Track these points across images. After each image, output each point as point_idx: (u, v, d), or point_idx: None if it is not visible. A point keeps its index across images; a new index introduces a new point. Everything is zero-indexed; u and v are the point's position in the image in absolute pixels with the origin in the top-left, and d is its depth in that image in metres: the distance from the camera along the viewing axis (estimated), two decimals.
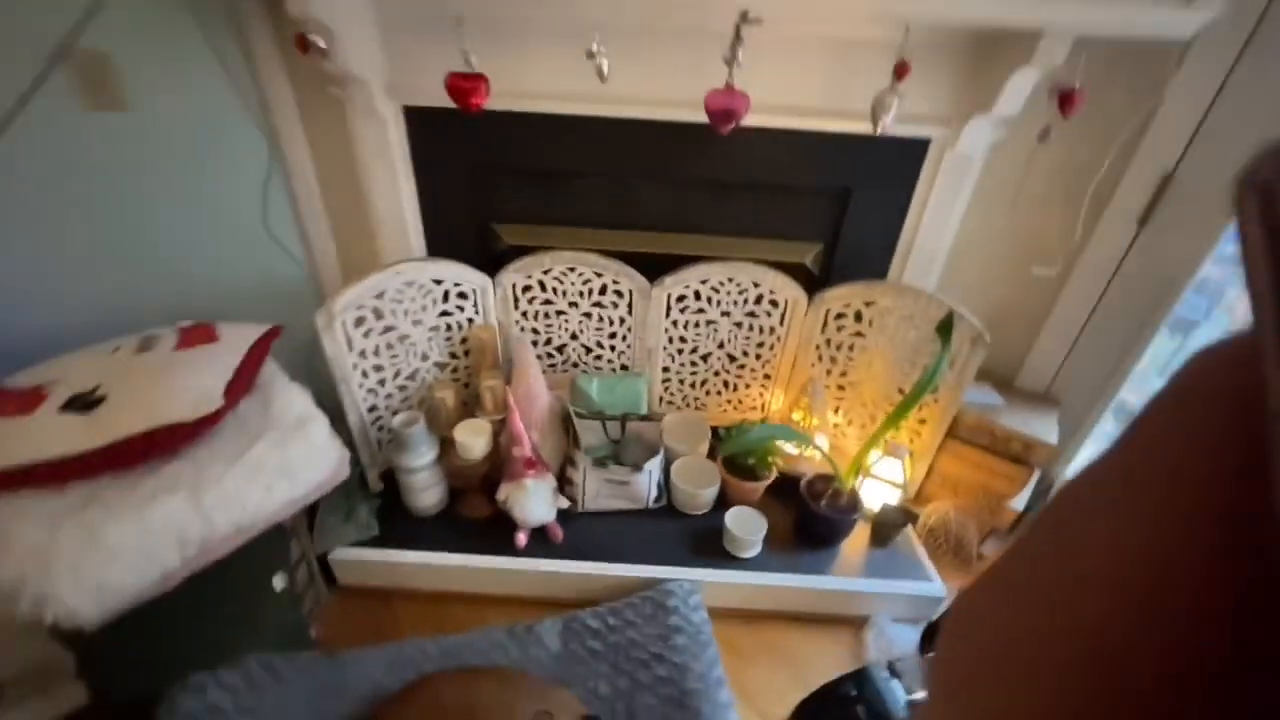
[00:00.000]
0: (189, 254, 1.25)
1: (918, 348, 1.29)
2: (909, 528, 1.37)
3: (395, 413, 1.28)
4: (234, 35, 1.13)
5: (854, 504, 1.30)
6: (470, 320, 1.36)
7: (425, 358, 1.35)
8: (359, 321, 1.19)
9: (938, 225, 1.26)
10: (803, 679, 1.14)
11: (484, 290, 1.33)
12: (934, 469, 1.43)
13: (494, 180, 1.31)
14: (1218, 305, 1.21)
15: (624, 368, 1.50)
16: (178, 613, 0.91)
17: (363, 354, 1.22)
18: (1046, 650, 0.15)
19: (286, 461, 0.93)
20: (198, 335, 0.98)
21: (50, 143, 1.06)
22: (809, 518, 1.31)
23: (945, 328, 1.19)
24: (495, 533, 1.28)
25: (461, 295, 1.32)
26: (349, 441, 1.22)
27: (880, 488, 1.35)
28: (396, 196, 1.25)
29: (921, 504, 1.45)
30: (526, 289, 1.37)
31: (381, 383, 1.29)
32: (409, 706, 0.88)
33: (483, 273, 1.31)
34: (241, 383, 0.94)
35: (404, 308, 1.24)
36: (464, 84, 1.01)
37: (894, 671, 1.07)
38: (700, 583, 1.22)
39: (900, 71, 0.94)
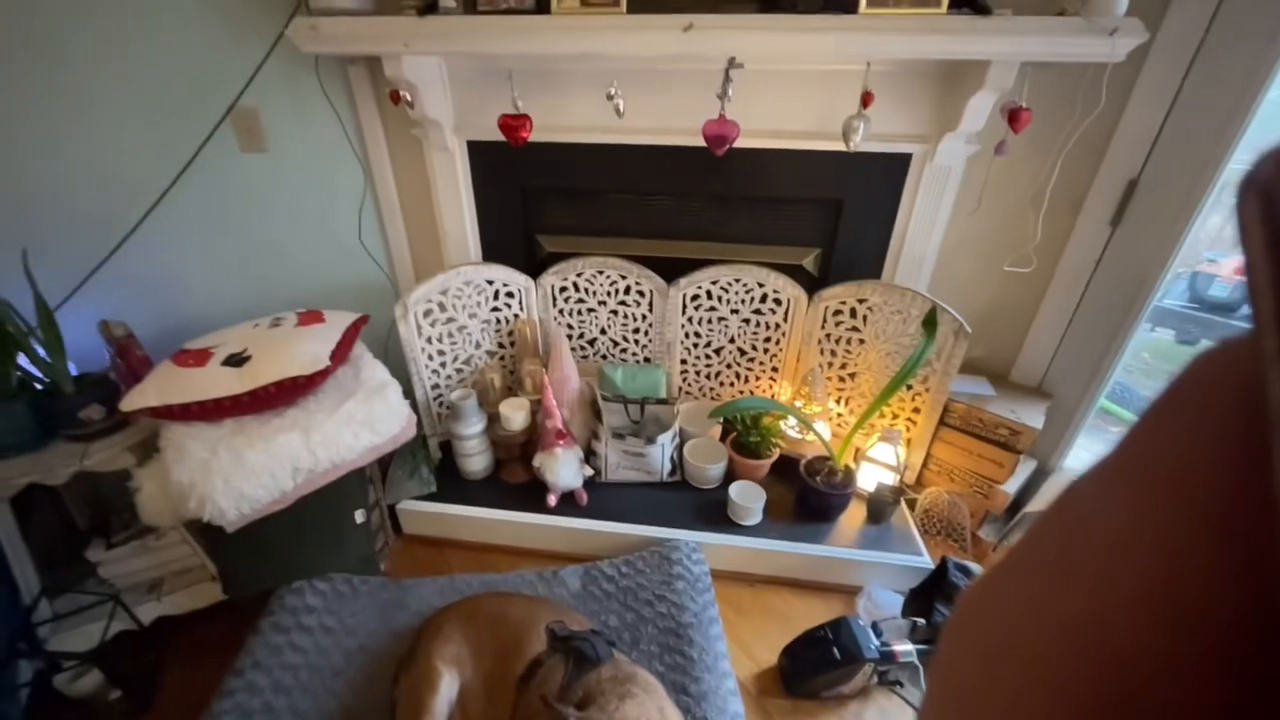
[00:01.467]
0: (305, 259, 1.60)
1: (908, 341, 1.42)
2: (904, 507, 1.48)
3: (452, 390, 1.54)
4: (344, 91, 1.46)
5: (848, 482, 1.43)
6: (516, 315, 1.62)
7: (478, 345, 1.61)
8: (427, 313, 1.47)
9: (923, 230, 1.40)
10: (793, 633, 1.27)
11: (528, 289, 1.59)
12: (930, 455, 1.53)
13: (537, 199, 1.58)
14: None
15: (647, 360, 1.70)
16: (287, 530, 1.19)
17: (429, 340, 1.50)
18: (1052, 651, 0.15)
19: (370, 415, 1.20)
20: (311, 317, 1.28)
21: (213, 178, 1.43)
22: (807, 493, 1.45)
23: (929, 321, 1.33)
24: (531, 495, 1.51)
25: (509, 294, 1.59)
26: (416, 412, 1.50)
27: (876, 470, 1.47)
28: (460, 213, 1.54)
29: (920, 488, 1.55)
30: (563, 289, 1.62)
31: (443, 365, 1.56)
32: (454, 612, 1.10)
33: (526, 275, 1.57)
34: (341, 352, 1.22)
35: (463, 303, 1.51)
36: (513, 122, 1.28)
37: (877, 630, 1.19)
38: (702, 544, 1.39)
39: (865, 100, 1.12)
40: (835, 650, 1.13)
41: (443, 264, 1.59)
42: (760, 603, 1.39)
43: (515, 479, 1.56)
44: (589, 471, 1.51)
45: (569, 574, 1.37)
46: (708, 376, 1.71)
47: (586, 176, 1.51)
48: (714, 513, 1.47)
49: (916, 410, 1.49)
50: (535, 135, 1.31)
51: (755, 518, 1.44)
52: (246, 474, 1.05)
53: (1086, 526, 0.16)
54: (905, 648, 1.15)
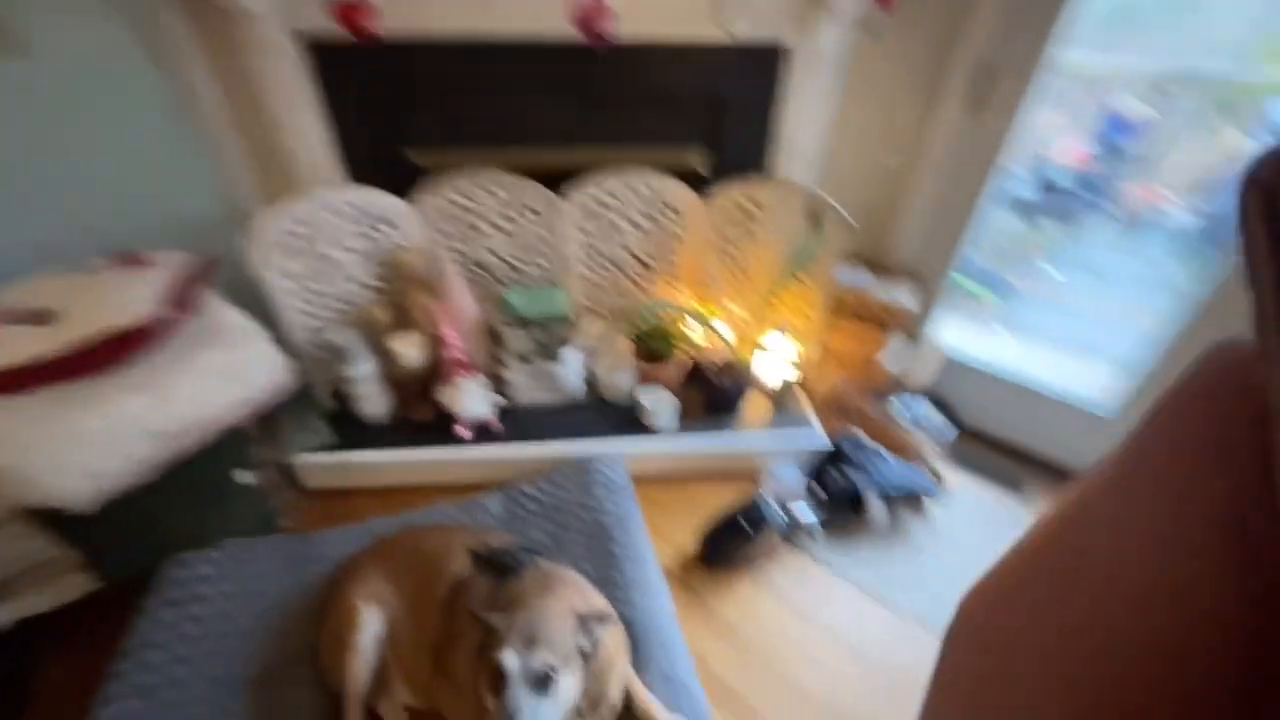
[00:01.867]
0: (113, 193, 1.32)
1: (798, 237, 1.47)
2: (801, 393, 1.60)
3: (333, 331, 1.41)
4: None
5: (748, 375, 1.52)
6: (395, 243, 1.47)
7: (356, 280, 1.46)
8: (286, 248, 1.29)
9: (806, 123, 1.42)
10: (710, 519, 1.37)
11: (405, 214, 1.44)
12: (823, 344, 1.65)
13: (399, 107, 1.39)
14: None
15: (547, 280, 1.64)
16: (159, 501, 1.07)
17: (294, 278, 1.34)
18: (1059, 654, 0.15)
19: (232, 366, 1.07)
20: (131, 260, 1.08)
21: None
22: (713, 390, 1.52)
23: (815, 216, 1.37)
24: (442, 431, 1.45)
25: (384, 219, 1.43)
26: (296, 360, 1.36)
27: (775, 362, 1.57)
28: (306, 128, 1.33)
29: (814, 375, 1.67)
30: (445, 210, 1.48)
31: (317, 305, 1.41)
32: (368, 553, 1.07)
33: (399, 197, 1.42)
34: (181, 299, 1.05)
35: (328, 234, 1.35)
36: (350, 9, 1.09)
37: (782, 503, 1.31)
38: (620, 452, 1.43)
39: None
40: (745, 523, 1.23)
41: (296, 189, 1.38)
42: (679, 496, 1.48)
43: (421, 416, 1.50)
44: (499, 399, 1.47)
45: (491, 500, 1.37)
46: (610, 290, 1.69)
47: (456, 79, 1.35)
48: (628, 421, 1.51)
49: (808, 302, 1.58)
50: (389, 30, 1.13)
51: (667, 420, 1.49)
52: (81, 445, 0.91)
53: (1091, 530, 0.16)
54: (804, 512, 1.29)
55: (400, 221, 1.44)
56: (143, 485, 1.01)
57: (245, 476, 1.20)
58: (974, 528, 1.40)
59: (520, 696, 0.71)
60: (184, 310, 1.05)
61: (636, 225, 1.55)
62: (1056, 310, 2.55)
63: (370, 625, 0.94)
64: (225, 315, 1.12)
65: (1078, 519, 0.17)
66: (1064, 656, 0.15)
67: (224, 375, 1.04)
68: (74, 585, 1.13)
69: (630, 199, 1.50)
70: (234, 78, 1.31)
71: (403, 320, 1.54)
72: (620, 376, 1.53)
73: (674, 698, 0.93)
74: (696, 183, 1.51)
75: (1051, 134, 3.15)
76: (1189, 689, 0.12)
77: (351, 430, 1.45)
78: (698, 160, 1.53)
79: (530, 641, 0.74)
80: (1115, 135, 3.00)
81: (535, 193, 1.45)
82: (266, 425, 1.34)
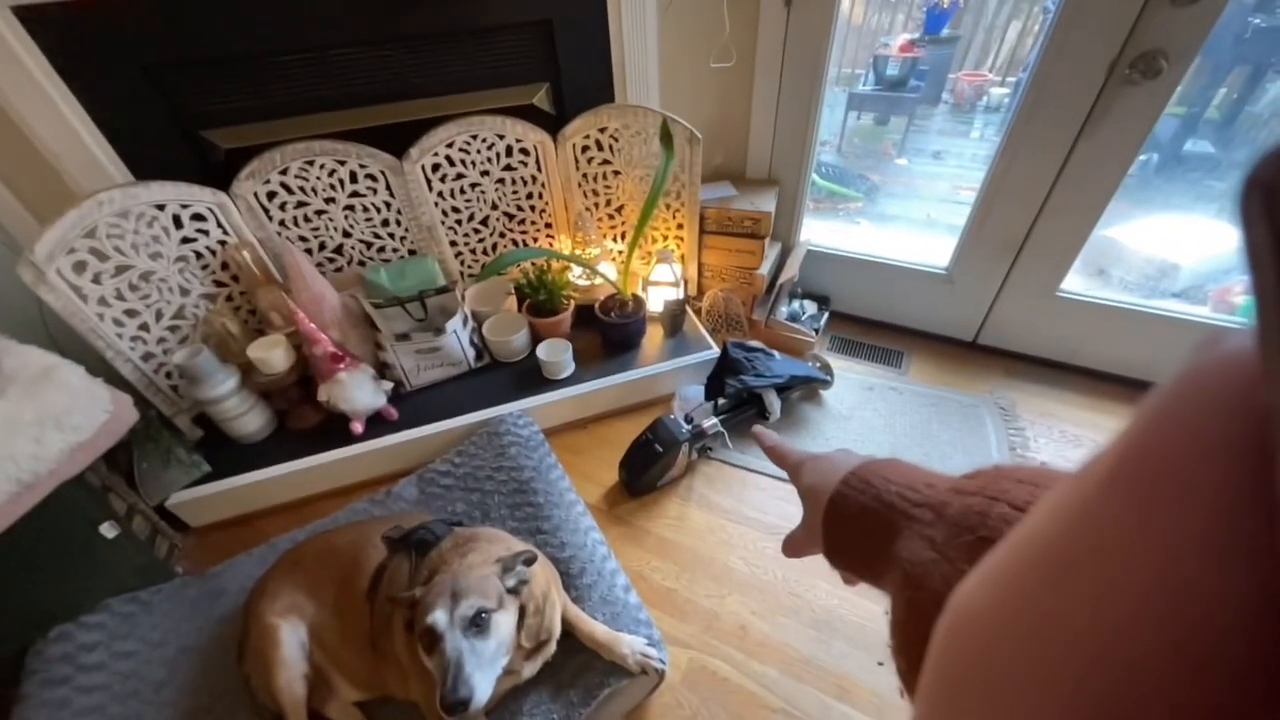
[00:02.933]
0: None
1: (655, 162, 1.47)
2: (690, 315, 1.66)
3: (173, 353, 1.25)
4: None
5: (639, 309, 1.54)
6: (222, 243, 1.31)
7: (186, 292, 1.29)
8: (79, 267, 1.11)
9: (637, 42, 1.39)
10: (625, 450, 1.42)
11: (222, 206, 1.27)
12: (702, 264, 1.71)
13: (180, 79, 1.20)
14: None
15: (412, 253, 1.54)
16: (4, 578, 0.93)
17: (103, 301, 1.16)
18: (1053, 663, 0.15)
19: (46, 411, 0.92)
20: None
21: None
22: (606, 330, 1.54)
23: (665, 135, 1.37)
24: (333, 431, 1.37)
25: (197, 216, 1.26)
26: (135, 393, 1.20)
27: (661, 291, 1.60)
28: (61, 120, 1.11)
29: (700, 295, 1.74)
30: (272, 195, 1.32)
31: (145, 327, 1.24)
32: (275, 569, 1.01)
33: (210, 188, 1.24)
34: None
35: (129, 242, 1.17)
36: None
37: (688, 419, 1.37)
38: (526, 409, 1.42)
39: None
40: (656, 445, 1.29)
41: (72, 197, 1.17)
42: (595, 438, 1.51)
43: (307, 422, 1.40)
44: (388, 385, 1.40)
45: (403, 487, 1.33)
46: (484, 252, 1.62)
47: (240, 35, 1.17)
48: (530, 379, 1.50)
49: (680, 226, 1.61)
50: None
51: (568, 369, 1.50)
52: None
53: (1082, 534, 0.15)
54: (710, 421, 1.37)
55: (217, 215, 1.27)
56: None
57: (110, 530, 1.07)
58: (862, 404, 1.56)
59: (457, 641, 0.73)
60: None
61: (492, 176, 1.48)
62: (906, 195, 2.80)
63: (291, 638, 0.90)
64: (18, 357, 0.96)
65: (1068, 523, 0.17)
66: (1058, 664, 0.15)
67: (34, 425, 0.90)
68: None
69: (477, 149, 1.42)
70: None
71: (257, 324, 1.40)
72: (512, 336, 1.50)
73: (614, 615, 0.99)
74: (545, 122, 1.45)
75: (888, 34, 3.34)
76: (1190, 697, 0.12)
77: (231, 454, 1.33)
78: (541, 99, 1.47)
79: (455, 596, 0.75)
80: (933, 25, 3.23)
81: (370, 158, 1.33)
82: (122, 469, 1.20)
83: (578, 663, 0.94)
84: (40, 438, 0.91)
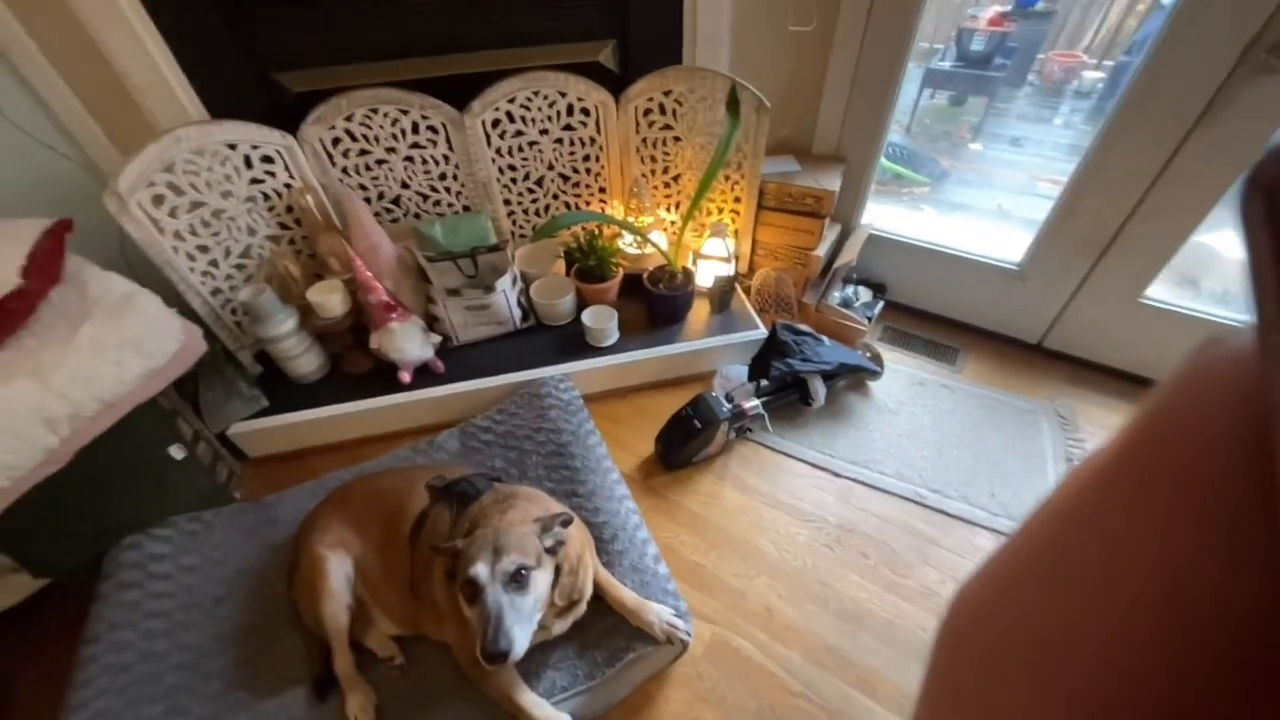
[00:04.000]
0: None
1: (719, 130, 1.42)
2: (739, 292, 1.62)
3: (239, 290, 1.30)
4: None
5: (688, 282, 1.51)
6: (287, 185, 1.34)
7: (253, 232, 1.34)
8: (157, 200, 1.15)
9: (712, 2, 1.32)
10: (664, 424, 1.42)
11: (289, 150, 1.30)
12: (757, 241, 1.65)
13: (254, 20, 1.21)
14: None
15: (466, 208, 1.55)
16: (84, 489, 1.01)
17: (178, 235, 1.21)
18: (1056, 658, 0.15)
19: (126, 336, 0.97)
20: None
21: None
22: (654, 301, 1.52)
23: (732, 102, 1.31)
24: (382, 379, 1.41)
25: (266, 159, 1.28)
26: (203, 325, 1.27)
27: (712, 265, 1.56)
28: (146, 56, 1.14)
29: (751, 272, 1.69)
30: (336, 141, 1.34)
31: (214, 264, 1.29)
32: (325, 505, 1.06)
33: (280, 130, 1.27)
34: (43, 269, 0.94)
35: (204, 179, 1.20)
36: None
37: (729, 397, 1.36)
38: (568, 374, 1.43)
39: None
40: (696, 421, 1.28)
41: (155, 132, 1.21)
42: (633, 408, 1.51)
43: (359, 368, 1.44)
44: (436, 338, 1.42)
45: (445, 439, 1.37)
46: (537, 213, 1.62)
47: None
48: (574, 344, 1.50)
49: (738, 199, 1.56)
50: None
51: (612, 337, 1.49)
52: None
53: (1086, 529, 0.15)
54: (752, 403, 1.35)
55: (285, 159, 1.30)
56: (60, 475, 0.94)
57: (178, 452, 1.15)
58: (911, 399, 1.50)
59: (499, 595, 0.75)
60: (44, 281, 0.94)
61: (550, 135, 1.46)
62: (978, 183, 2.63)
63: (338, 570, 0.95)
64: (103, 283, 1.01)
65: (1072, 518, 0.17)
66: (1060, 659, 0.15)
67: (115, 348, 0.96)
68: (18, 587, 1.09)
69: (539, 106, 1.40)
70: (45, 14, 1.09)
71: (317, 268, 1.44)
72: (559, 299, 1.50)
73: (642, 583, 1.00)
74: (608, 81, 1.41)
75: (976, 5, 3.09)
76: (1191, 692, 0.12)
77: (287, 391, 1.39)
78: (606, 56, 1.42)
79: (497, 551, 0.77)
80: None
81: (433, 109, 1.33)
82: (189, 397, 1.27)
83: (605, 625, 0.96)
84: (121, 360, 0.97)
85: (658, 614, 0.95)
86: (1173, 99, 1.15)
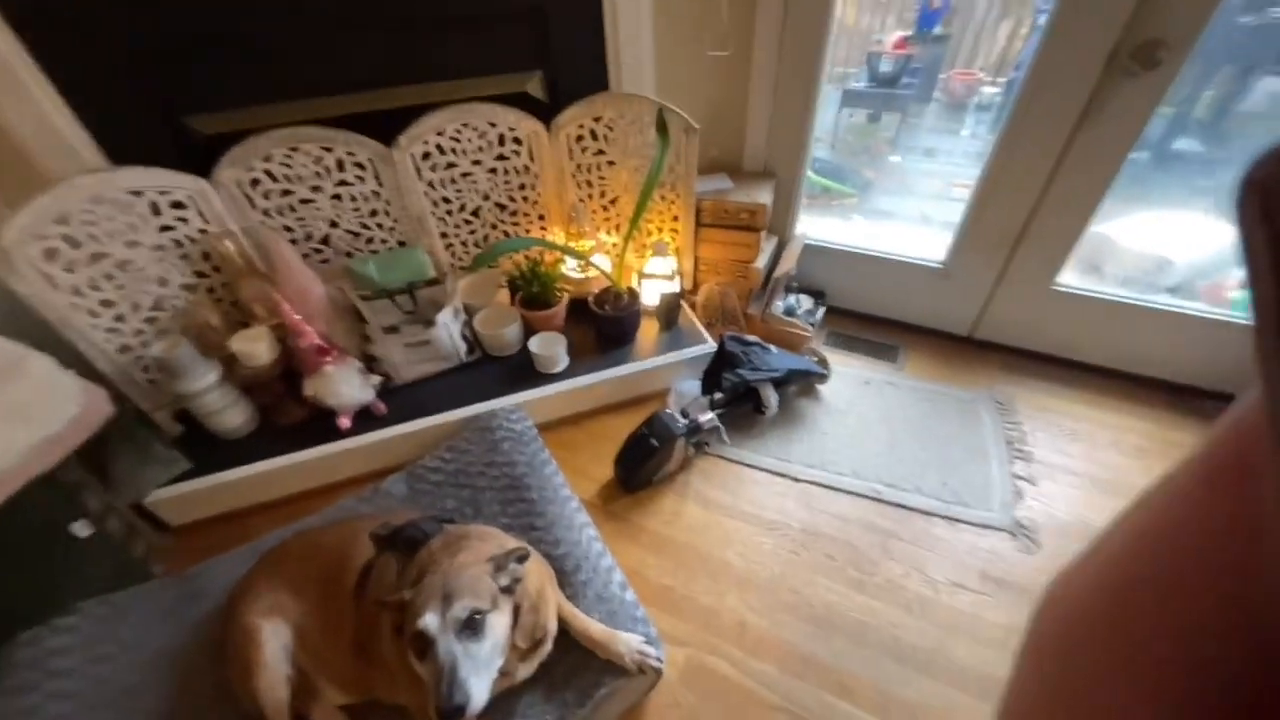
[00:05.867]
0: None
1: (650, 152, 1.45)
2: (686, 309, 1.64)
3: (150, 346, 1.21)
4: None
5: (634, 302, 1.52)
6: (203, 231, 1.26)
7: (165, 282, 1.25)
8: (50, 255, 1.06)
9: (631, 30, 1.36)
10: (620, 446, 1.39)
11: (201, 194, 1.23)
12: (699, 258, 1.68)
13: (158, 61, 1.15)
14: None
15: (401, 244, 1.50)
16: None
17: (77, 291, 1.11)
18: (1145, 640, 0.16)
19: (13, 404, 0.88)
20: None
21: None
22: (601, 324, 1.51)
23: (661, 125, 1.35)
24: (319, 427, 1.33)
25: (176, 204, 1.21)
26: (112, 387, 1.16)
27: (656, 284, 1.58)
28: (29, 99, 1.06)
29: (695, 289, 1.72)
30: (255, 182, 1.28)
31: (120, 318, 1.19)
32: (257, 569, 0.97)
33: (190, 174, 1.20)
34: None
35: (104, 229, 1.12)
36: None
37: (684, 413, 1.35)
38: (520, 404, 1.39)
39: None
40: (653, 440, 1.27)
41: (43, 182, 1.12)
42: (589, 433, 1.48)
43: (292, 418, 1.35)
44: (376, 379, 1.36)
45: (392, 484, 1.29)
46: (475, 244, 1.59)
47: (214, 14, 1.13)
48: (523, 373, 1.47)
49: (676, 218, 1.58)
50: None
51: (562, 363, 1.47)
52: None
53: (1168, 518, 0.17)
54: (707, 416, 1.35)
55: (198, 203, 1.23)
56: None
57: (83, 529, 1.03)
58: (860, 399, 1.55)
59: (451, 645, 0.69)
60: None
61: (484, 166, 1.45)
62: (900, 192, 2.80)
63: (273, 640, 0.86)
64: None
65: (1148, 534, 0.17)
66: (1147, 643, 0.16)
67: (4, 417, 0.86)
68: None
69: (469, 137, 1.39)
70: None
71: (240, 316, 1.36)
72: (504, 329, 1.47)
73: (610, 612, 0.96)
74: (538, 111, 1.42)
75: (881, 32, 3.34)
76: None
77: (212, 450, 1.29)
78: (534, 86, 1.44)
79: (446, 598, 0.72)
80: (926, 23, 3.24)
81: (358, 145, 1.29)
82: (97, 466, 1.15)
83: (573, 661, 0.91)
84: (6, 432, 0.87)
85: (627, 643, 0.91)
86: (1055, 105, 1.26)
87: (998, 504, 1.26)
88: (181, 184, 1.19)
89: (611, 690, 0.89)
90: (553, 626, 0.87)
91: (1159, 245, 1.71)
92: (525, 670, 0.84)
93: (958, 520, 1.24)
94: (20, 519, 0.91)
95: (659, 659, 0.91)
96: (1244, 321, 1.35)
